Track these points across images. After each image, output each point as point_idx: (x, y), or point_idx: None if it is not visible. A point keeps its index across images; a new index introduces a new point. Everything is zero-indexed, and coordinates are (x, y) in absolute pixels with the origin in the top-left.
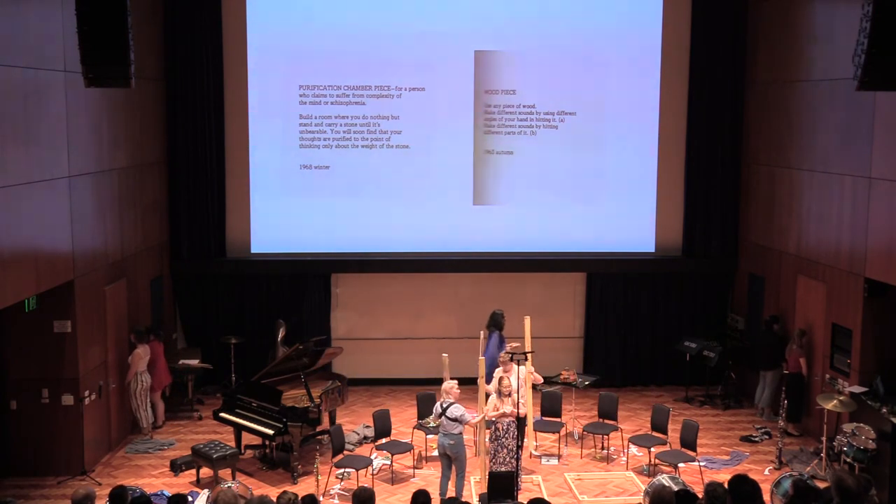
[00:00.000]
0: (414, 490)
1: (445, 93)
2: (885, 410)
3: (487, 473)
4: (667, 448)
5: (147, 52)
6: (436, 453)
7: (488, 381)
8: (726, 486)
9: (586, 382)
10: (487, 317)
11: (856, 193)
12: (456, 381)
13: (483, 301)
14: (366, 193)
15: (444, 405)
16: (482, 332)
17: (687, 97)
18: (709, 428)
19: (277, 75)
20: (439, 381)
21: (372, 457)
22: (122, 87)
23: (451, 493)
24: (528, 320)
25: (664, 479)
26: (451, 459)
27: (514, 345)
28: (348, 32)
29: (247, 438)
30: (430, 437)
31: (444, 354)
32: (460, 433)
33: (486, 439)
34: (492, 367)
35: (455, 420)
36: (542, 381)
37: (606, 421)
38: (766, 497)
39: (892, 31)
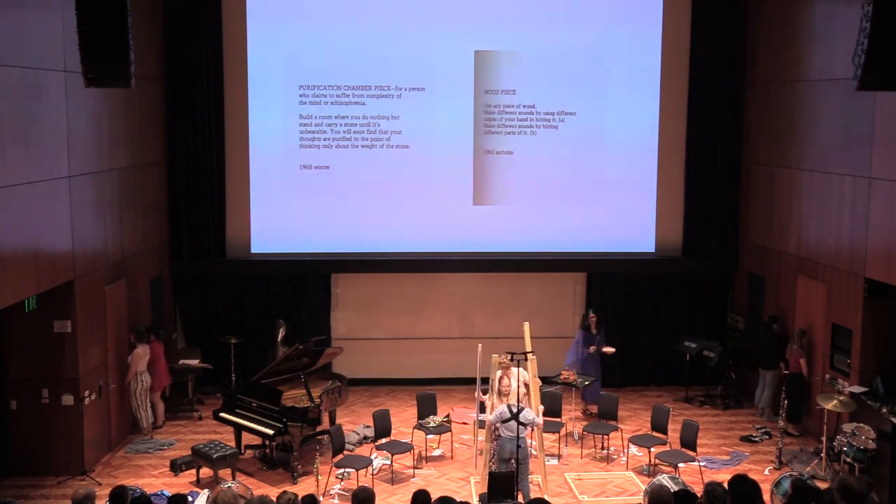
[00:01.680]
0: (414, 490)
1: (445, 93)
2: (885, 410)
3: (487, 473)
4: (667, 448)
5: (147, 52)
6: (436, 453)
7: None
8: (726, 486)
9: (586, 382)
10: (487, 317)
11: (856, 193)
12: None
13: (483, 301)
14: (366, 193)
15: (515, 410)
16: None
17: (687, 97)
18: (709, 428)
19: (277, 75)
20: (439, 381)
21: (372, 457)
22: (122, 87)
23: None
24: (526, 325)
25: (664, 479)
26: (517, 463)
27: (609, 349)
28: (348, 32)
29: (247, 438)
30: (430, 437)
31: (493, 355)
32: (525, 437)
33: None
34: (571, 363)
35: (526, 424)
36: (540, 383)
37: (606, 421)
38: (766, 497)
39: (892, 31)
